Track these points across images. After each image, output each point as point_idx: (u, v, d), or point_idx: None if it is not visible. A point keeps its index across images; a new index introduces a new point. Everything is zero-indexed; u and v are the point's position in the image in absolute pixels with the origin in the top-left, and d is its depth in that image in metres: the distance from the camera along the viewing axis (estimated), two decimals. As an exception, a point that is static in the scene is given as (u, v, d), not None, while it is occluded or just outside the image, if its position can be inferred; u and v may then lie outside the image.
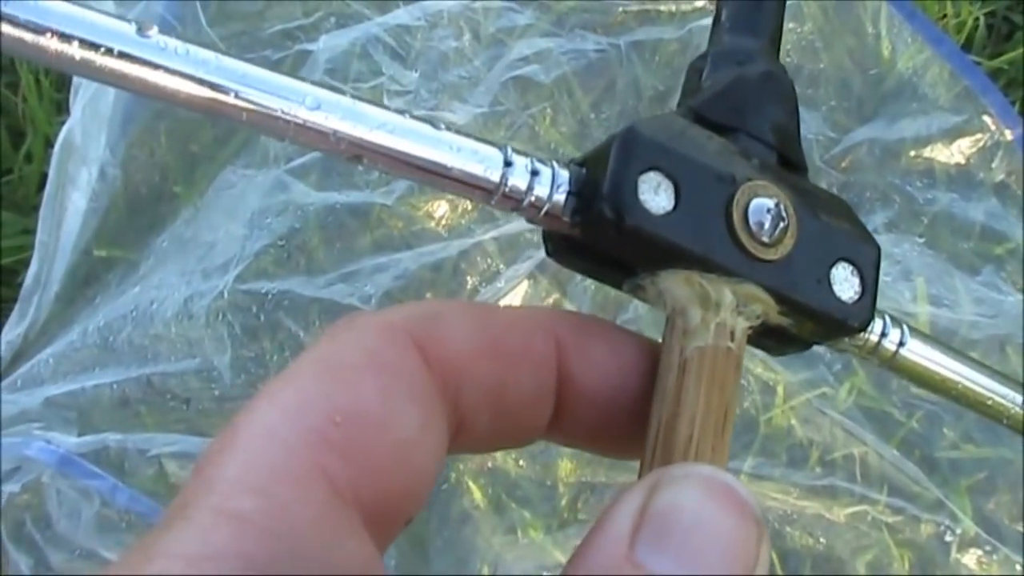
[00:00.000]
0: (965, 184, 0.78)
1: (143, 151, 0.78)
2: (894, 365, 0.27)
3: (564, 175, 0.23)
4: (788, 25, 0.79)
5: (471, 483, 0.71)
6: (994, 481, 0.70)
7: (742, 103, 0.25)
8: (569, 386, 0.22)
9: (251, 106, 0.21)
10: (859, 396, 0.71)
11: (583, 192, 0.23)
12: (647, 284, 0.23)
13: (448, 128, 0.22)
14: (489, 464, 0.72)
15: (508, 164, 0.23)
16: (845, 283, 0.24)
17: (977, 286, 0.74)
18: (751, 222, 0.23)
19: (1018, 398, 0.29)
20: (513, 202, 0.23)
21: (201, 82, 0.20)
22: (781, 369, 0.71)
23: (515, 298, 0.71)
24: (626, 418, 0.23)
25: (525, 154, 0.23)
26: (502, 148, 0.23)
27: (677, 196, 0.22)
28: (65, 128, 0.76)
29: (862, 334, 0.26)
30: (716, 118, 0.25)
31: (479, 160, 0.22)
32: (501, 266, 0.73)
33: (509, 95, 0.77)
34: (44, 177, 0.79)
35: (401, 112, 0.22)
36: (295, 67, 0.78)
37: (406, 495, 0.20)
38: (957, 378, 0.28)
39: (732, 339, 0.22)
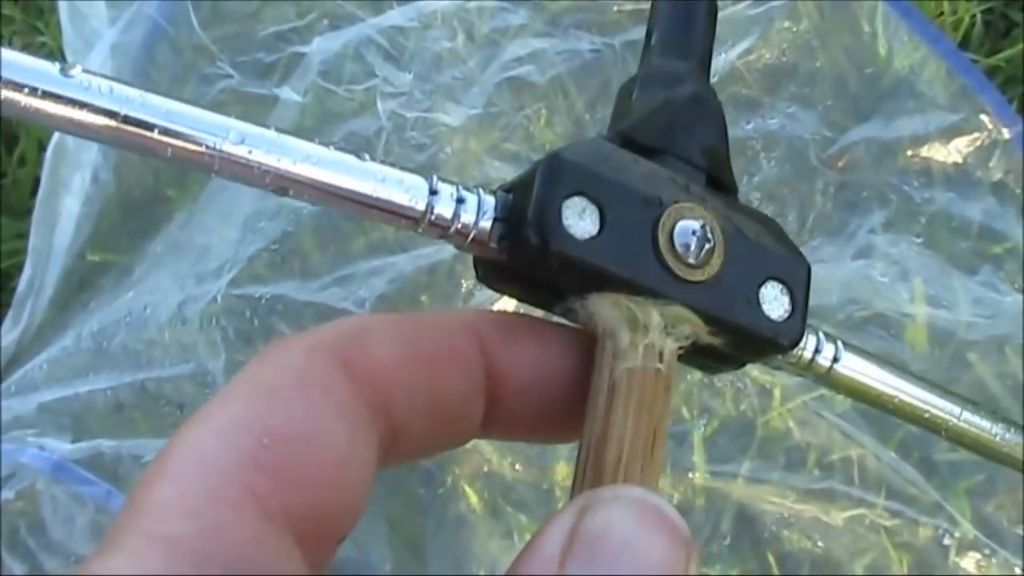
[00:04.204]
0: (963, 183, 0.77)
1: (136, 155, 0.77)
2: (829, 381, 0.28)
3: (490, 202, 0.23)
4: (784, 24, 0.79)
5: (467, 487, 0.71)
6: (993, 483, 0.70)
7: (670, 125, 0.26)
8: (498, 382, 0.23)
9: (176, 142, 0.21)
10: (857, 398, 0.71)
11: (509, 218, 0.23)
12: (577, 307, 0.23)
13: (372, 158, 0.23)
14: (485, 468, 0.71)
15: (433, 192, 0.23)
16: (775, 302, 0.24)
17: (975, 286, 0.74)
18: (677, 244, 0.23)
19: (956, 410, 0.29)
20: (440, 230, 0.23)
21: (125, 119, 0.20)
22: (778, 372, 0.71)
23: (509, 301, 0.71)
24: (558, 406, 0.23)
25: (451, 182, 0.23)
26: (427, 177, 0.23)
27: (602, 220, 0.23)
28: (58, 132, 0.76)
29: (795, 351, 0.26)
30: (645, 141, 0.25)
31: (404, 189, 0.23)
32: (496, 269, 0.72)
33: (503, 96, 0.77)
34: (37, 181, 0.78)
35: (326, 144, 0.22)
36: (288, 69, 0.77)
37: (339, 511, 0.20)
38: (894, 392, 0.28)
39: (661, 360, 0.22)
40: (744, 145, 0.76)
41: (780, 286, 0.25)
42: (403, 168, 0.23)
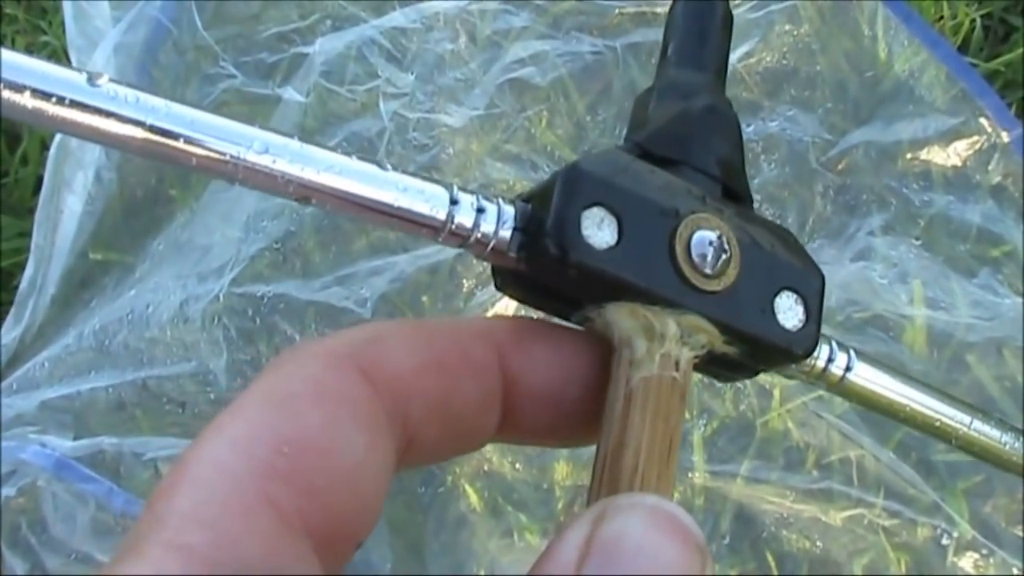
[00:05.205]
0: (962, 186, 0.78)
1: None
2: (842, 390, 0.28)
3: (509, 212, 0.24)
4: (785, 27, 0.79)
5: (467, 487, 0.71)
6: (991, 484, 0.70)
7: (686, 136, 0.26)
8: (514, 388, 0.23)
9: (200, 151, 0.21)
10: (856, 399, 0.71)
11: (528, 228, 0.23)
12: (594, 316, 0.23)
13: (394, 168, 0.23)
14: (485, 468, 0.72)
15: (454, 202, 0.23)
16: (789, 311, 0.25)
17: (974, 288, 0.74)
18: (694, 254, 0.24)
19: (966, 418, 0.30)
20: (460, 239, 0.23)
21: (151, 129, 0.21)
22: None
23: (511, 301, 0.71)
24: (572, 411, 0.24)
25: (471, 192, 0.23)
26: (448, 187, 0.23)
27: (620, 231, 0.23)
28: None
29: (808, 360, 0.26)
30: (661, 152, 0.25)
31: (425, 199, 0.23)
32: (497, 269, 0.72)
33: (505, 97, 0.77)
34: (40, 180, 0.78)
35: (348, 154, 0.23)
36: (291, 70, 0.78)
37: (355, 519, 0.20)
38: (905, 401, 0.29)
39: (677, 369, 0.22)
40: (744, 148, 0.76)
41: (794, 296, 0.25)
42: (424, 178, 0.23)
